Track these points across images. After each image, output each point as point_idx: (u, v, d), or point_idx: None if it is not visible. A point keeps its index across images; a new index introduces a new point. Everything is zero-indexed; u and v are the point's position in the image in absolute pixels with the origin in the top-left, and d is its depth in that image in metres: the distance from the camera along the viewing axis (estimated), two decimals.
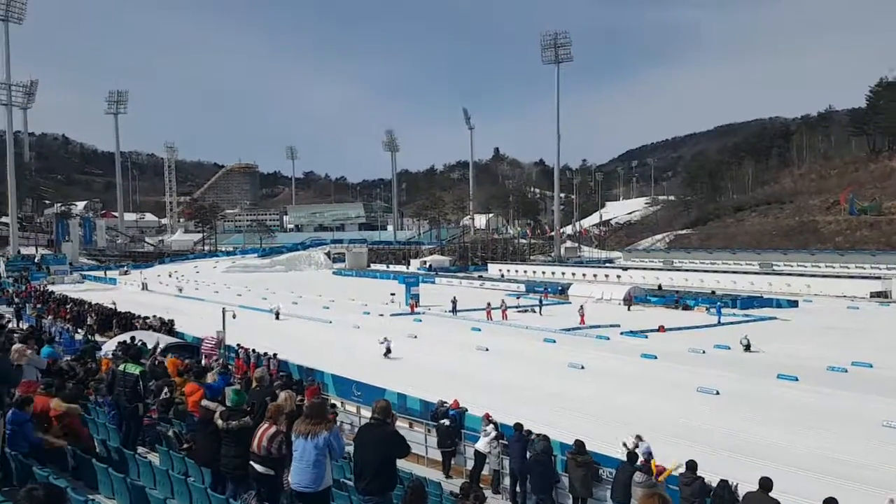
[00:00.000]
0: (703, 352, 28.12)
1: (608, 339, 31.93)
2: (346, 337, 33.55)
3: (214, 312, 33.55)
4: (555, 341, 31.55)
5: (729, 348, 28.61)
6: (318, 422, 5.71)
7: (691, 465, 9.85)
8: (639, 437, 11.49)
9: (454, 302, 42.35)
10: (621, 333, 33.30)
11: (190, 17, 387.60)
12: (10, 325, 23.84)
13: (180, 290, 58.79)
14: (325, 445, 5.62)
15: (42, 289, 48.63)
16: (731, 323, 36.73)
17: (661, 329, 34.13)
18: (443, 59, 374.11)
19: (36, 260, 78.14)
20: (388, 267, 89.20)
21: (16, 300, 37.70)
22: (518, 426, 12.46)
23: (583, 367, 25.08)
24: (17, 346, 6.56)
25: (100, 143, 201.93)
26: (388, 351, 26.92)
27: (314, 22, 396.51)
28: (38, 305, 37.19)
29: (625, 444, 11.25)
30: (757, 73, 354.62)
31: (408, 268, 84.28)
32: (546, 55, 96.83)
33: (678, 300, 46.30)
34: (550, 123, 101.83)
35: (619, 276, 63.50)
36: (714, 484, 9.74)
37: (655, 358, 26.63)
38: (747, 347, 28.20)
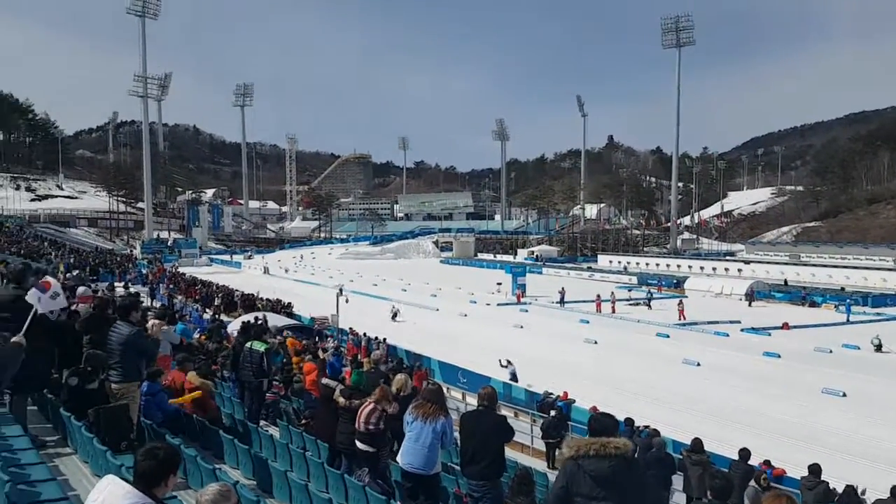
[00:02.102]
0: (830, 351, 26.49)
1: (727, 335, 30.55)
2: (452, 325, 33.97)
3: (329, 297, 34.98)
4: (668, 336, 30.59)
5: (858, 348, 26.89)
6: (437, 407, 5.86)
7: (814, 469, 9.28)
8: (509, 361, 11.35)
9: (562, 293, 41.84)
10: (742, 330, 31.83)
11: (310, 14, 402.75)
12: (144, 304, 25.81)
13: (265, 270, 63.72)
14: (442, 431, 5.74)
15: (174, 270, 52.26)
16: (861, 322, 34.40)
17: (786, 326, 32.47)
18: (555, 47, 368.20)
19: (169, 243, 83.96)
20: (494, 256, 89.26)
21: (150, 281, 40.61)
22: (629, 421, 12.19)
23: (699, 364, 24.21)
24: (154, 321, 7.09)
25: (227, 134, 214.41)
26: (395, 315, 27.60)
27: (426, 17, 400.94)
28: (171, 286, 39.89)
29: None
30: (893, 58, 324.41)
31: (515, 257, 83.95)
32: (667, 39, 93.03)
33: (804, 296, 43.75)
34: (669, 110, 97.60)
35: (740, 270, 60.34)
36: (839, 490, 9.13)
37: (778, 357, 25.30)
38: (878, 348, 26.41)
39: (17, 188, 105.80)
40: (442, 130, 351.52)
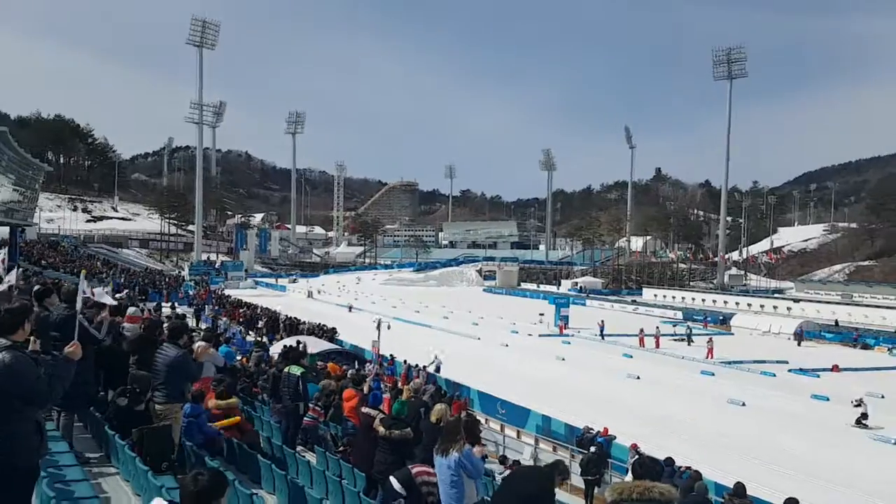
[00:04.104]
0: (882, 396, 25.31)
1: (774, 375, 29.65)
2: (493, 354, 33.75)
3: (371, 323, 35.15)
4: (713, 374, 29.82)
5: None
6: (451, 441, 5.63)
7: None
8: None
9: (601, 325, 41.27)
10: (789, 371, 30.91)
11: (361, 44, 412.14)
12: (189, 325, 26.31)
13: (310, 294, 64.32)
14: (458, 466, 5.49)
15: (220, 292, 53.28)
16: None
17: (836, 368, 31.40)
18: (603, 77, 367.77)
19: (216, 266, 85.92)
20: (538, 286, 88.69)
21: (195, 302, 41.39)
22: (669, 461, 11.87)
23: (744, 405, 23.51)
24: (200, 343, 7.25)
25: (278, 160, 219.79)
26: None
27: (475, 47, 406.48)
28: (216, 307, 40.56)
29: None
30: None
31: (558, 288, 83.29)
32: (718, 71, 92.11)
33: (856, 338, 42.36)
34: (719, 143, 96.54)
35: (789, 309, 58.62)
36: None
37: (827, 400, 24.40)
38: None
39: (74, 209, 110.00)
40: (488, 159, 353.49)
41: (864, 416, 21.17)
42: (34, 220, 61.84)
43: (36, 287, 8.24)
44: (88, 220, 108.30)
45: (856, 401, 21.80)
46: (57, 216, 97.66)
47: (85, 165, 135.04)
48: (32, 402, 3.66)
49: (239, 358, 16.99)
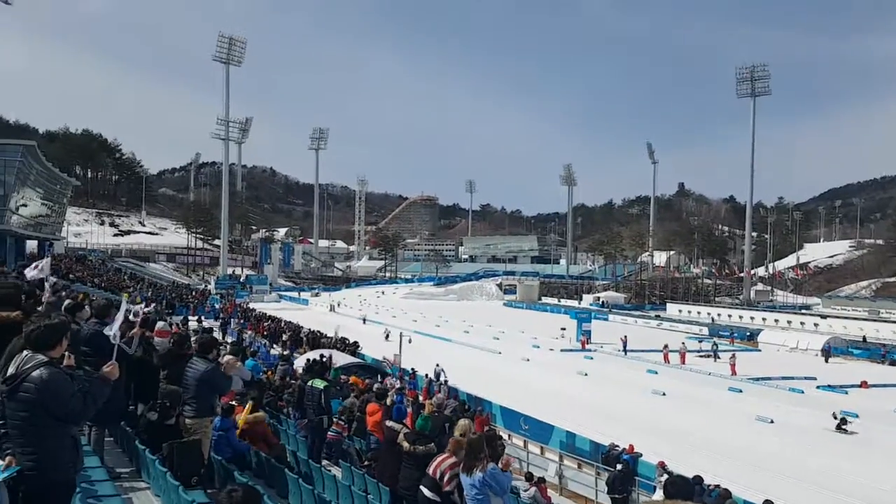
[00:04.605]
0: None
1: (802, 392, 29.13)
2: (514, 369, 33.57)
3: (392, 336, 35.21)
4: (741, 391, 29.37)
5: None
6: (475, 459, 5.61)
7: None
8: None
9: (624, 340, 40.90)
10: (818, 387, 30.38)
11: (382, 59, 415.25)
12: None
13: (332, 307, 64.77)
14: (483, 485, 5.47)
15: (244, 306, 53.70)
16: None
17: (864, 385, 30.99)
18: (625, 93, 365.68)
19: (241, 280, 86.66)
20: (559, 301, 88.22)
21: (221, 316, 41.83)
22: (698, 479, 11.68)
23: (772, 421, 23.13)
24: (228, 357, 7.30)
25: (301, 176, 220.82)
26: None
27: (496, 62, 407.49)
28: (241, 321, 40.92)
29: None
30: None
31: (580, 303, 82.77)
32: (741, 88, 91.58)
33: (884, 354, 41.71)
34: (743, 158, 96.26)
35: (816, 325, 57.63)
36: None
37: (856, 417, 23.86)
38: None
39: (102, 223, 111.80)
40: (509, 174, 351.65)
41: (844, 421, 22.39)
42: (62, 233, 62.96)
43: (67, 301, 8.38)
44: (116, 235, 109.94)
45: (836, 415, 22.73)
46: (84, 230, 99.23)
47: (112, 180, 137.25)
48: (67, 420, 3.70)
49: (264, 371, 17.07)
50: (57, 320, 3.88)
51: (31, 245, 52.19)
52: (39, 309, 6.69)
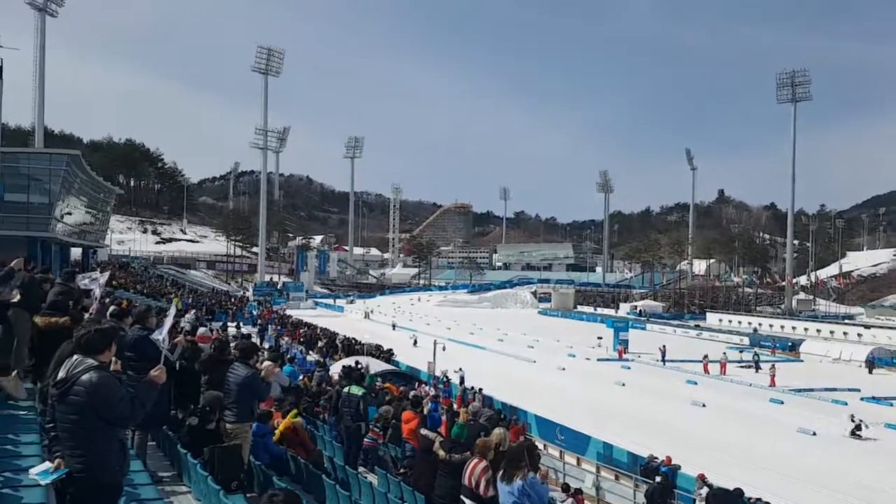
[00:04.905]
0: None
1: (846, 404, 28.29)
2: (550, 378, 33.30)
3: (426, 343, 35.29)
4: (783, 402, 28.70)
5: None
6: (515, 467, 5.56)
7: None
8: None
9: (663, 350, 40.27)
10: (862, 399, 29.54)
11: (416, 67, 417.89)
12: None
13: (366, 314, 65.73)
14: (522, 494, 5.43)
15: (281, 312, 54.31)
16: None
17: None
18: (663, 99, 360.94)
19: (278, 286, 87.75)
20: (595, 310, 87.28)
21: (259, 322, 42.39)
22: (739, 492, 11.42)
23: (814, 434, 22.55)
24: (267, 363, 7.40)
25: (337, 184, 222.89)
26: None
27: (530, 68, 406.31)
28: (278, 328, 41.39)
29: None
30: None
31: (616, 311, 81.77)
32: (782, 94, 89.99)
33: None
34: (784, 165, 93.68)
35: (860, 335, 56.01)
36: None
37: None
38: None
39: (145, 231, 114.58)
40: (543, 181, 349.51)
41: (858, 427, 22.32)
42: (105, 241, 64.45)
43: (112, 307, 8.57)
44: (158, 242, 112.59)
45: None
46: (127, 238, 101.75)
47: (155, 189, 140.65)
48: (116, 423, 3.77)
49: (301, 377, 17.24)
50: (107, 325, 3.98)
51: (76, 252, 53.52)
52: (87, 315, 6.87)
